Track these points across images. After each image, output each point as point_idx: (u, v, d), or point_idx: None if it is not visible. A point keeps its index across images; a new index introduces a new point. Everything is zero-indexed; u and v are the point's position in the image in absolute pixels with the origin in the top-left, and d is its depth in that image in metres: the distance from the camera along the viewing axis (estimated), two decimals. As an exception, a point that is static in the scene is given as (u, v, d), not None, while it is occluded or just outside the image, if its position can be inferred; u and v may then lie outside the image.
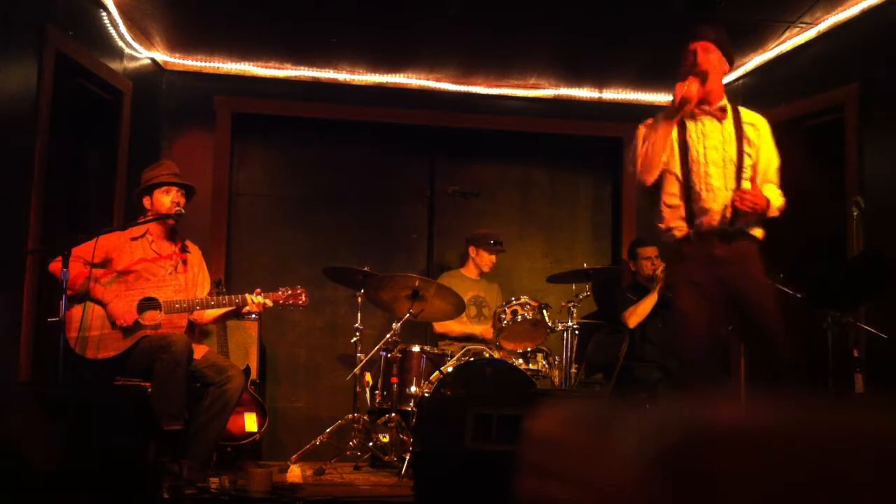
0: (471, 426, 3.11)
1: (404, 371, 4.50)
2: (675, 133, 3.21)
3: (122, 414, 3.27)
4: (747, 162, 3.21)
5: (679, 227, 3.21)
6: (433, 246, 5.16)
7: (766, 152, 3.28)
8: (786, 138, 4.97)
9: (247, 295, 4.04)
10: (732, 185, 3.16)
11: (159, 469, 3.34)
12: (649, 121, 3.28)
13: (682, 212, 3.20)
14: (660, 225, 3.30)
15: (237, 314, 4.21)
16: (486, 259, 5.35)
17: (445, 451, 3.29)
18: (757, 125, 3.29)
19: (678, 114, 3.17)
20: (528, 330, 4.64)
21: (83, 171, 4.82)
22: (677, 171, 3.21)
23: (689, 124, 3.23)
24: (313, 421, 5.17)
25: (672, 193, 3.23)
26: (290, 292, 4.15)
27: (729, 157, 3.19)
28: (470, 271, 5.40)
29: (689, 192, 3.18)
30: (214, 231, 5.47)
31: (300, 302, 4.17)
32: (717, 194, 3.16)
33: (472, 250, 5.39)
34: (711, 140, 3.20)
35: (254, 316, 4.32)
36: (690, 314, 3.12)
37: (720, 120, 3.23)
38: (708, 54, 3.21)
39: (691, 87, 3.11)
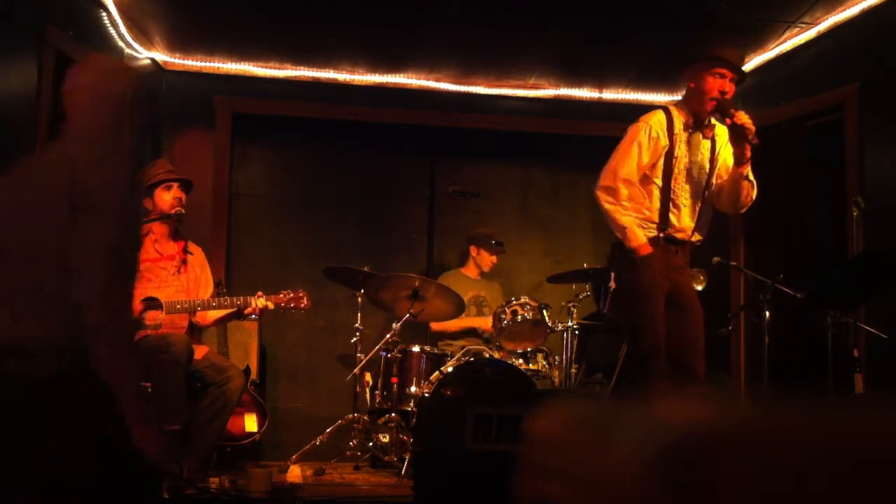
0: (471, 426, 3.12)
1: (404, 371, 4.50)
2: (664, 142, 3.35)
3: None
4: (713, 177, 3.45)
5: (649, 230, 3.36)
6: (433, 246, 5.16)
7: (726, 152, 3.44)
8: (786, 138, 4.99)
9: (248, 297, 4.04)
10: (699, 197, 3.41)
11: (159, 469, 3.34)
12: (652, 124, 3.36)
13: (656, 217, 3.37)
14: (624, 221, 3.35)
15: (239, 315, 4.21)
16: (487, 259, 5.34)
17: (445, 451, 3.29)
18: (720, 133, 3.45)
19: (714, 115, 3.33)
20: (528, 330, 4.64)
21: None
22: (658, 180, 3.38)
23: (681, 138, 3.38)
24: (313, 421, 5.16)
25: (649, 197, 3.39)
26: (291, 295, 4.16)
27: (704, 172, 3.41)
28: (470, 271, 5.40)
29: (665, 201, 3.36)
30: (214, 231, 5.46)
31: (302, 305, 4.18)
32: (689, 205, 3.40)
33: (473, 249, 5.38)
34: (696, 156, 3.40)
35: (254, 316, 4.33)
36: (657, 315, 3.31)
37: (705, 136, 3.42)
38: (733, 87, 3.33)
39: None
